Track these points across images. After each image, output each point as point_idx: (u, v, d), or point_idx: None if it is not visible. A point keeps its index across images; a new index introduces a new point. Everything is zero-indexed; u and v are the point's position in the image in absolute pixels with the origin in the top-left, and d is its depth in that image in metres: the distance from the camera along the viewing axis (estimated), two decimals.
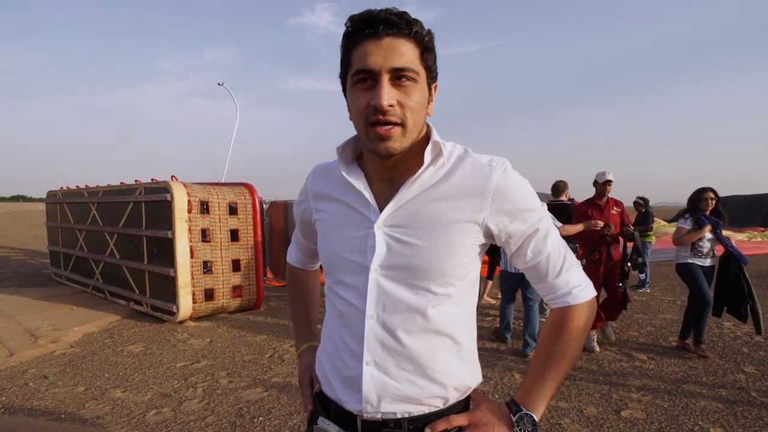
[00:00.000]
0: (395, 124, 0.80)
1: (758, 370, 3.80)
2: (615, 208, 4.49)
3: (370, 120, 0.81)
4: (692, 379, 3.64)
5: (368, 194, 0.90)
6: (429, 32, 0.83)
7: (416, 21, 0.81)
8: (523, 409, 0.90)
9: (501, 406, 0.93)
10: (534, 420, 0.89)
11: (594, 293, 0.95)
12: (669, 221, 17.19)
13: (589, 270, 4.22)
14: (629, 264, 4.26)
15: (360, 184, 0.90)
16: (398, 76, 0.80)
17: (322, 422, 0.97)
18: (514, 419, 0.90)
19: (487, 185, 0.86)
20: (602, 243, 4.35)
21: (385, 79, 0.79)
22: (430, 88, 0.87)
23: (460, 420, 0.91)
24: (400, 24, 0.79)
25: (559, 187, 5.42)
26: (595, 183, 4.49)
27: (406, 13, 0.80)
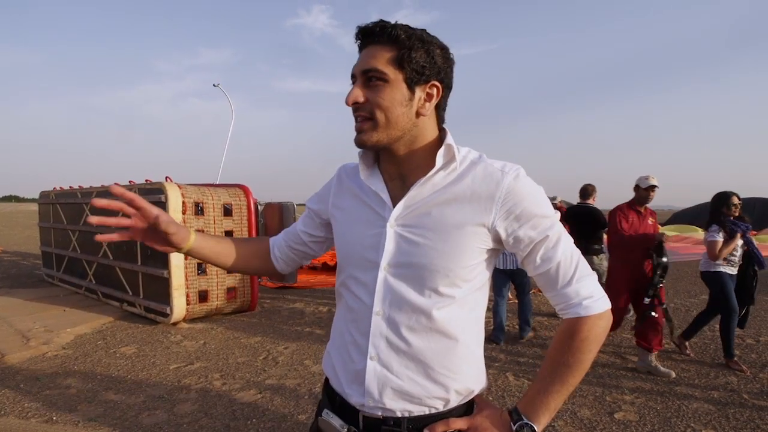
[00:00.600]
0: (365, 118, 0.89)
1: (750, 372, 3.83)
2: (650, 218, 4.05)
3: (354, 116, 0.91)
4: (685, 381, 3.67)
5: (384, 194, 0.94)
6: (411, 36, 0.88)
7: (394, 26, 0.88)
8: (524, 418, 0.90)
9: (503, 414, 0.93)
10: (534, 429, 0.89)
11: (608, 305, 0.92)
12: (662, 225, 17.30)
13: (620, 285, 4.01)
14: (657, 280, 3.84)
15: (377, 185, 0.95)
16: (368, 77, 0.88)
17: (327, 414, 1.00)
18: (513, 428, 0.90)
19: (498, 189, 0.88)
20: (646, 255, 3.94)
21: (359, 81, 0.90)
22: (413, 89, 0.89)
23: (459, 423, 0.92)
24: (376, 31, 0.88)
25: (587, 190, 5.50)
26: (637, 188, 4.01)
27: (384, 22, 0.89)
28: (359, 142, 0.90)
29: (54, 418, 3.09)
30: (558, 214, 0.92)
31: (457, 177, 0.90)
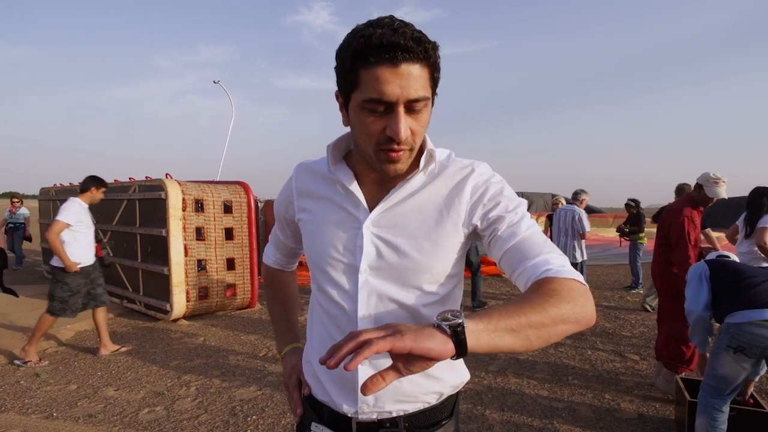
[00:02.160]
0: (405, 149, 0.81)
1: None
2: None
3: (383, 147, 0.80)
4: None
5: (359, 194, 0.91)
6: (435, 48, 0.80)
7: (430, 43, 0.78)
8: (456, 313, 0.67)
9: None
10: (460, 323, 0.64)
11: (583, 281, 0.78)
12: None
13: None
14: None
15: (352, 184, 0.91)
16: (413, 107, 0.78)
17: (316, 428, 0.97)
18: (438, 318, 0.66)
19: (470, 186, 0.89)
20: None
21: (401, 110, 0.77)
22: (433, 104, 0.86)
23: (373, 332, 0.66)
24: (418, 50, 0.76)
25: (683, 190, 5.55)
26: (699, 189, 3.30)
27: (422, 36, 0.77)
28: (396, 172, 0.84)
29: (54, 414, 3.10)
30: (525, 202, 0.91)
31: (432, 178, 0.91)
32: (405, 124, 0.78)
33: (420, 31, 0.78)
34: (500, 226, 0.86)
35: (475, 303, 5.96)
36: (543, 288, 0.74)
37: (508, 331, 0.67)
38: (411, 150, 0.83)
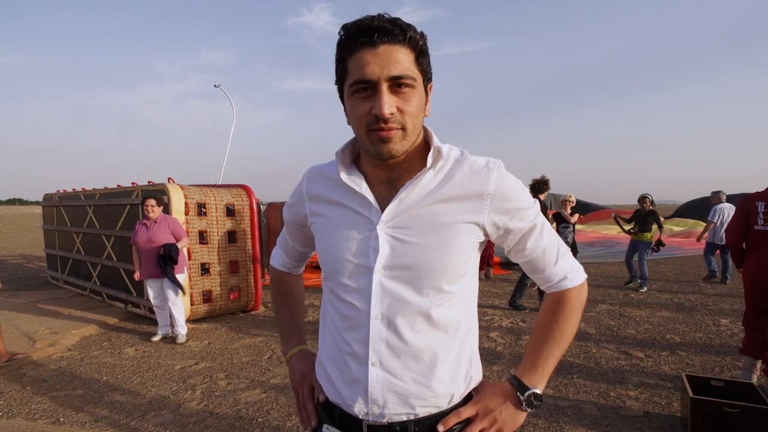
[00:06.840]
0: (396, 128, 0.82)
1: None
2: None
3: (372, 127, 0.82)
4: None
5: (370, 196, 0.90)
6: (422, 35, 0.84)
7: (409, 26, 0.82)
8: (529, 387, 0.95)
9: (504, 386, 0.97)
10: (540, 396, 0.95)
11: (585, 276, 1.01)
12: (667, 218, 17.29)
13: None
14: None
15: (361, 186, 0.91)
16: (397, 83, 0.81)
17: (327, 430, 0.97)
18: (522, 398, 0.94)
19: (486, 186, 0.89)
20: None
21: (385, 87, 0.80)
22: (426, 90, 0.88)
23: (468, 411, 0.93)
24: (394, 31, 0.80)
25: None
26: None
27: (398, 19, 0.81)
28: (390, 153, 0.83)
29: (61, 419, 3.11)
30: (537, 203, 0.96)
31: (445, 176, 0.90)
32: (389, 101, 0.80)
33: (399, 18, 0.82)
34: (527, 238, 0.95)
35: (515, 303, 5.84)
36: (564, 308, 0.97)
37: (556, 362, 0.97)
38: (403, 130, 0.83)
